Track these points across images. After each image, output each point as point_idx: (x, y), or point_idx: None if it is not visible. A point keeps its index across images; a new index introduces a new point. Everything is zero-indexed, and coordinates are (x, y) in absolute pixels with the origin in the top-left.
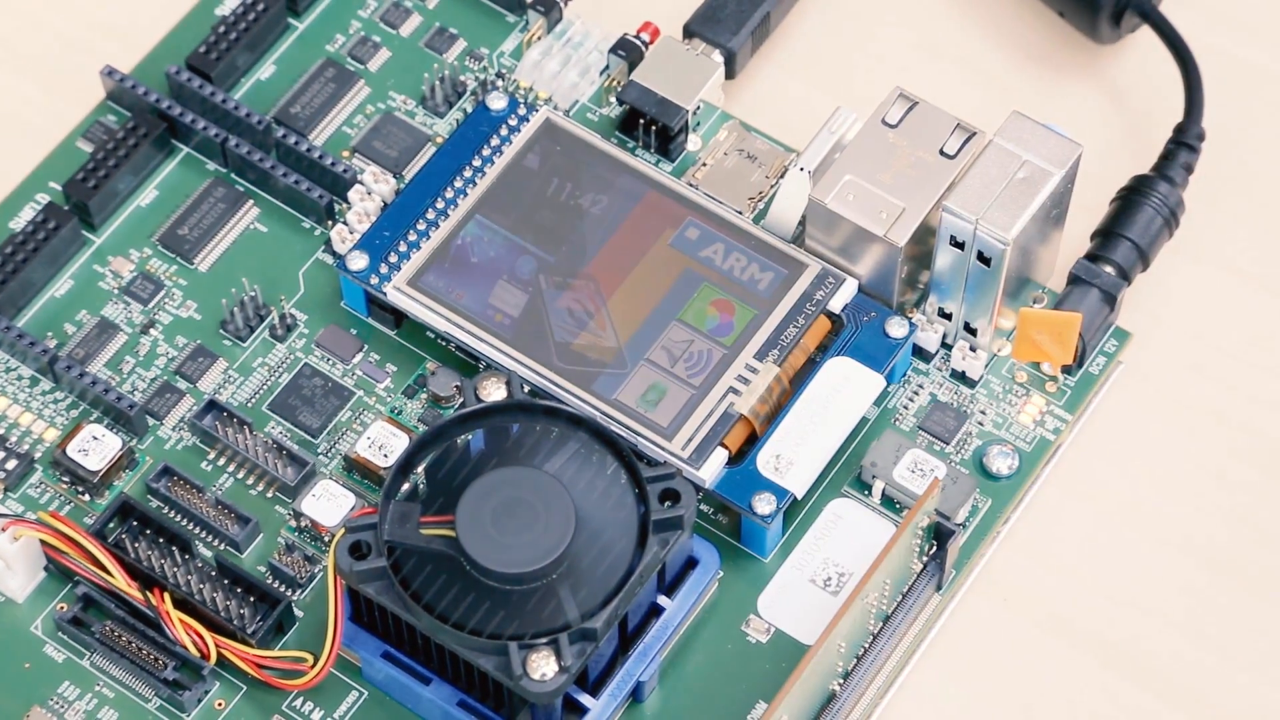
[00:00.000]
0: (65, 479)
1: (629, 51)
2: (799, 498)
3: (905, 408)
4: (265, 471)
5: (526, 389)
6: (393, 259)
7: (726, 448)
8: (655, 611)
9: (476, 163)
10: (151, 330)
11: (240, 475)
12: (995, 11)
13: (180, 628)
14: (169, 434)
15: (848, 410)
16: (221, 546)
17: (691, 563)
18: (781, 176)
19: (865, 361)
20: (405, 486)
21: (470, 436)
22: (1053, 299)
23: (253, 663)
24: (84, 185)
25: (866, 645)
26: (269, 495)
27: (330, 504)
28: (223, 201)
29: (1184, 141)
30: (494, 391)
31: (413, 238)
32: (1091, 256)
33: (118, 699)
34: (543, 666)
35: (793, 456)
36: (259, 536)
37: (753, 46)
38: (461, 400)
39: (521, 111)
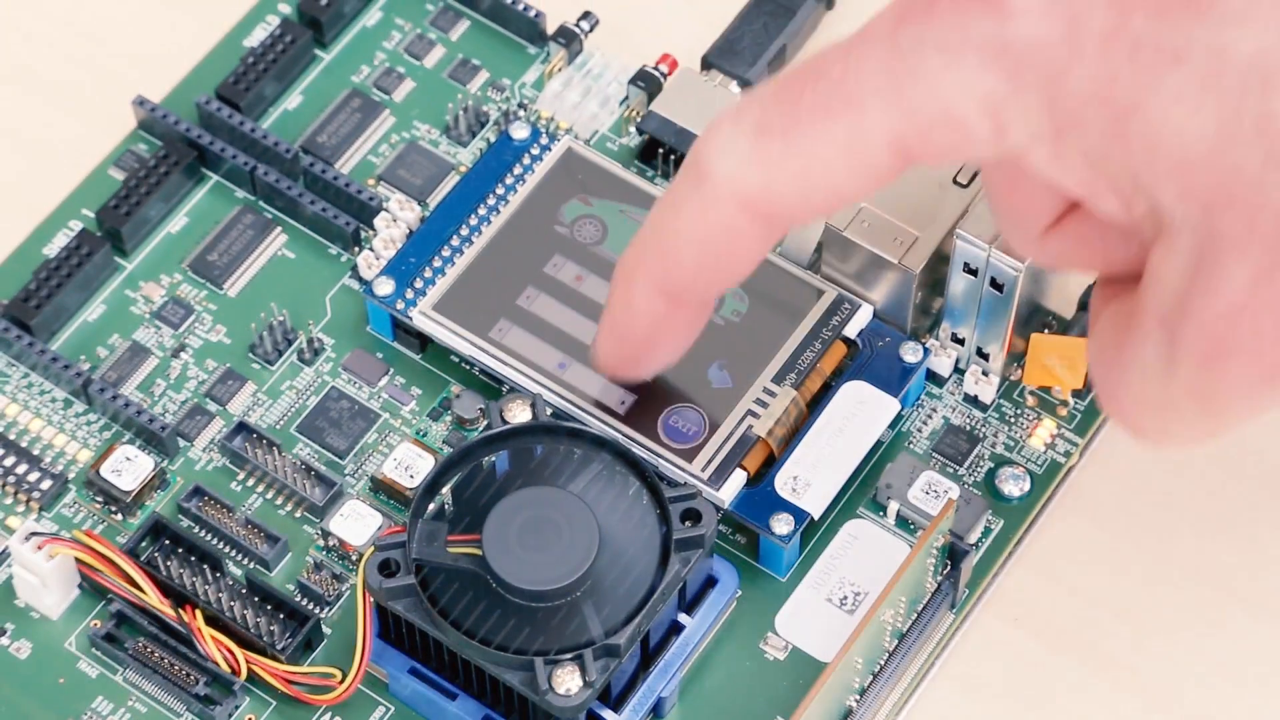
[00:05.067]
0: (99, 499)
1: (648, 82)
2: (816, 518)
3: (919, 431)
4: (294, 492)
5: (550, 411)
6: (418, 284)
7: (745, 469)
8: (676, 629)
9: (500, 191)
10: (182, 354)
11: (269, 495)
12: None
13: (211, 644)
14: (199, 455)
15: (863, 433)
16: (251, 565)
17: (711, 581)
18: None
19: (880, 385)
20: (432, 506)
21: (495, 457)
22: (1063, 324)
23: (282, 678)
24: (116, 212)
25: (882, 662)
26: (297, 515)
27: (357, 523)
28: (251, 228)
29: None
30: (519, 413)
31: (437, 264)
32: None
33: (150, 714)
34: (567, 682)
35: (810, 478)
36: (288, 555)
37: (769, 77)
38: (487, 422)
39: (543, 141)
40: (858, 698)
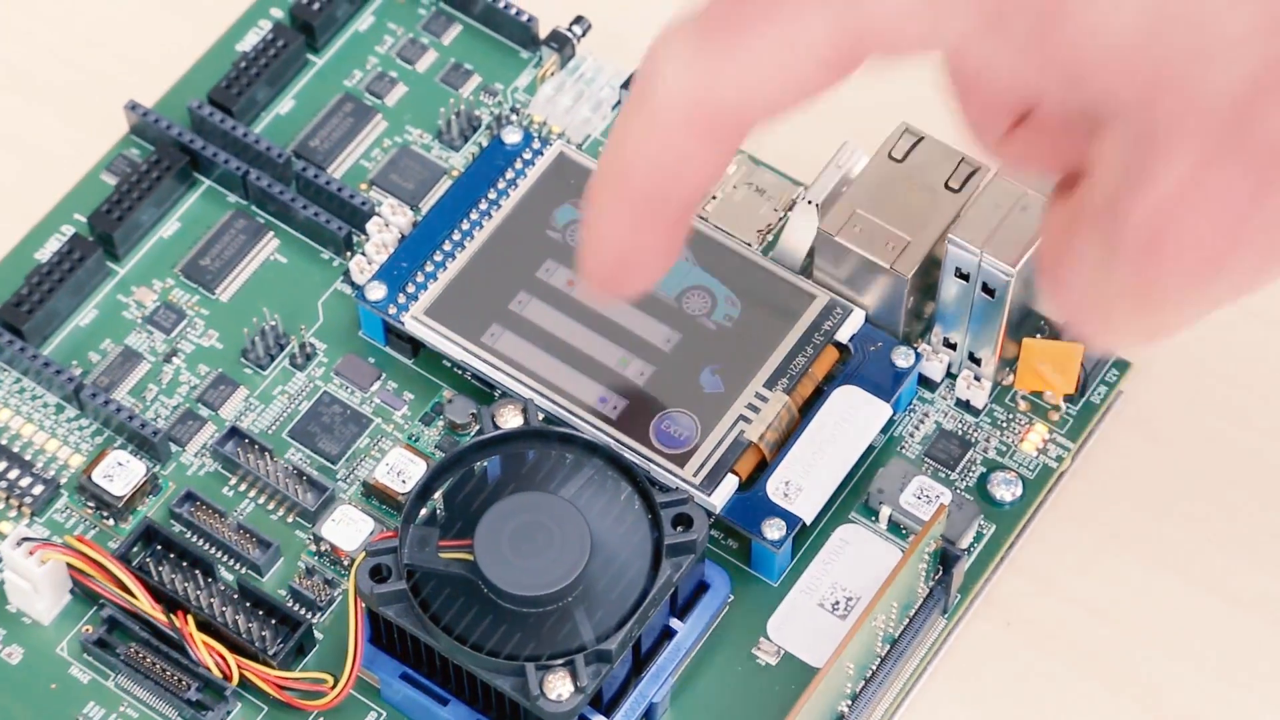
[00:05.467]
0: (90, 504)
1: None
2: (807, 523)
3: (911, 435)
4: (285, 497)
5: (542, 416)
6: (410, 289)
7: (737, 474)
8: (668, 634)
9: (492, 195)
10: (174, 359)
11: (261, 500)
12: None
13: (203, 649)
14: (191, 460)
15: (855, 438)
16: (243, 570)
17: (703, 586)
18: (790, 209)
19: (872, 390)
20: (424, 511)
21: (487, 463)
22: (1055, 329)
23: (274, 684)
24: (108, 217)
25: (874, 667)
26: (289, 520)
27: (349, 529)
28: (243, 233)
29: None
30: (511, 418)
31: (430, 269)
32: None
33: (142, 719)
34: (559, 687)
35: (801, 483)
36: (280, 560)
37: None
38: (479, 427)
39: (535, 145)
40: (849, 703)
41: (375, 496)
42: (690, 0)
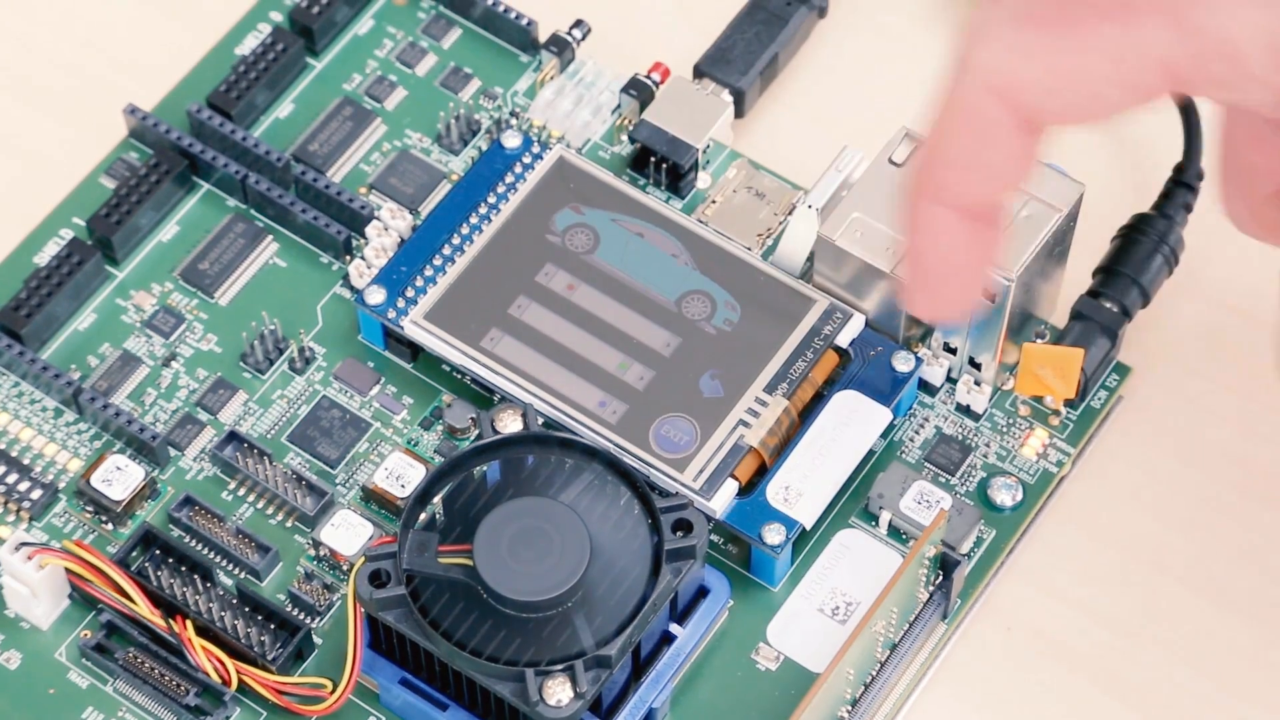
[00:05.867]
0: (89, 508)
1: (640, 91)
2: (807, 528)
3: (911, 440)
4: (284, 501)
5: (541, 421)
6: (409, 293)
7: (737, 479)
8: (667, 639)
9: (491, 199)
10: (173, 363)
11: (260, 505)
12: None
13: (202, 654)
14: (190, 464)
15: (855, 443)
16: (242, 575)
17: (702, 592)
18: (790, 214)
19: (872, 395)
20: (423, 516)
21: (487, 467)
22: (1055, 334)
23: (273, 689)
24: (107, 221)
25: (874, 673)
26: (288, 525)
27: (348, 533)
28: (243, 237)
29: (1183, 181)
30: (510, 423)
31: (429, 273)
32: (1093, 293)
33: None
34: (558, 693)
35: (801, 488)
36: (279, 565)
37: (761, 86)
38: (478, 432)
39: (535, 149)
40: (849, 708)
41: (374, 501)
42: None
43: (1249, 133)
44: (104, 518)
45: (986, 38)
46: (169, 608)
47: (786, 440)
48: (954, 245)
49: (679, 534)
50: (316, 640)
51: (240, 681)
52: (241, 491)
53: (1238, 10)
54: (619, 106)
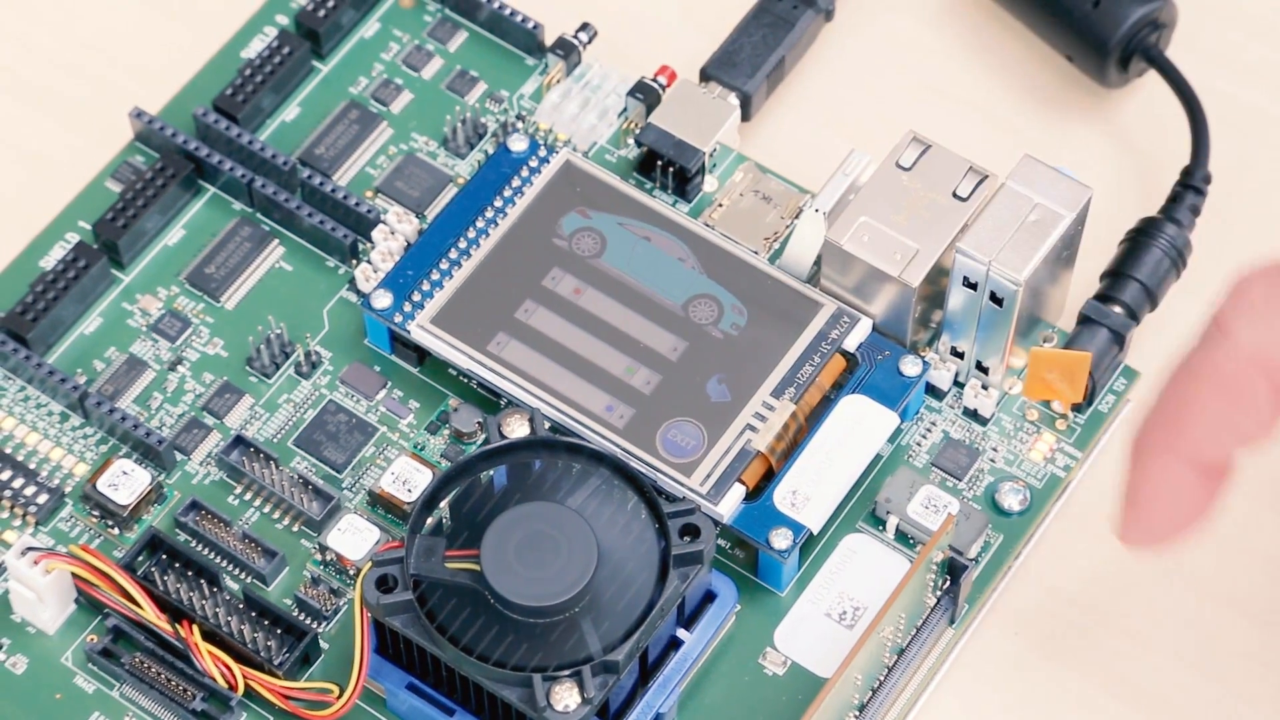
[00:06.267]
0: (95, 513)
1: (646, 94)
2: (815, 533)
3: (919, 445)
4: (291, 506)
5: (548, 425)
6: (416, 297)
7: (744, 484)
8: (674, 644)
9: (498, 203)
10: (179, 367)
11: (266, 510)
12: (1006, 56)
13: (208, 659)
14: (197, 469)
15: (862, 447)
16: (248, 579)
17: (710, 596)
18: (796, 217)
19: (879, 399)
20: (430, 521)
21: (494, 472)
22: (1063, 338)
23: (280, 694)
24: (113, 225)
25: (881, 678)
26: (295, 529)
27: (355, 538)
28: (249, 240)
29: (1191, 184)
30: (517, 428)
31: (435, 277)
32: (1101, 297)
33: None
34: (566, 698)
35: (809, 492)
36: (285, 570)
37: (768, 90)
38: (485, 436)
39: (542, 153)
40: (857, 714)
41: (381, 506)
42: None
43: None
44: (110, 522)
45: (1251, 315)
46: (175, 612)
47: (794, 445)
48: (1185, 493)
49: (686, 539)
50: (323, 645)
51: (247, 686)
52: (248, 496)
53: None
54: (625, 110)
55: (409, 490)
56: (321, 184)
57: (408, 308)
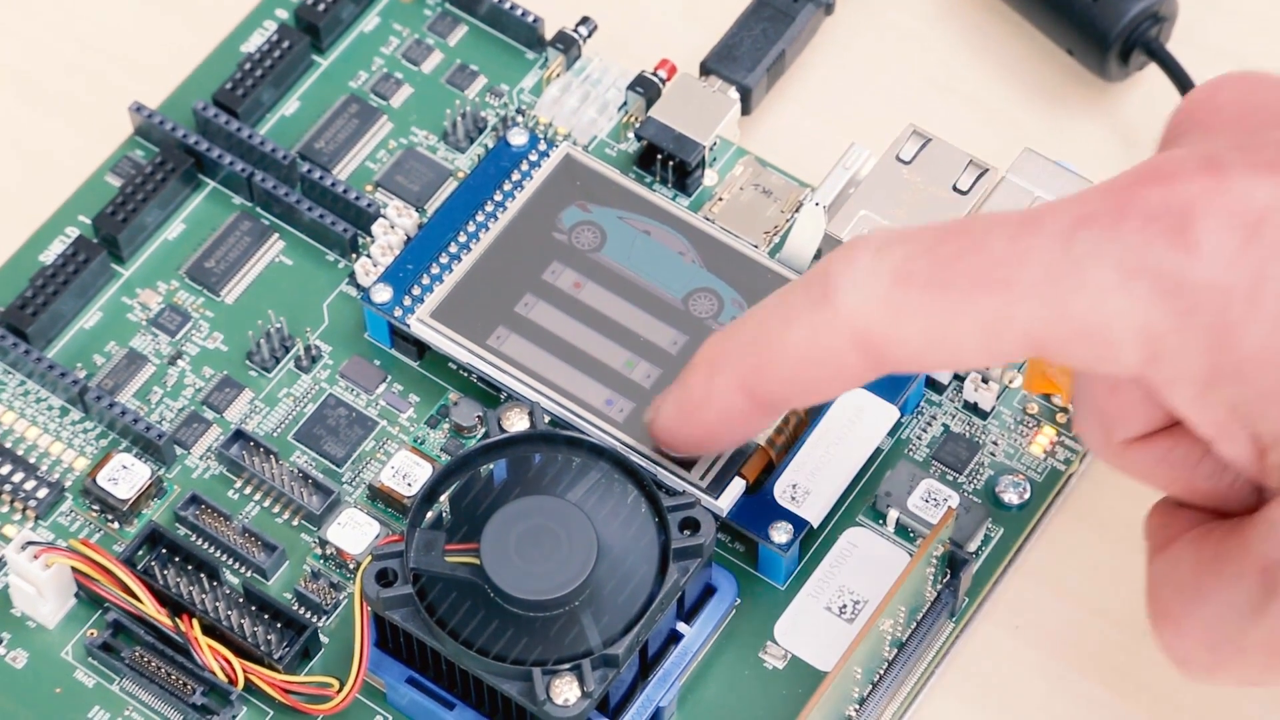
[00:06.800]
0: (95, 507)
1: (647, 88)
2: (815, 526)
3: (919, 438)
4: (291, 500)
5: (548, 419)
6: (416, 292)
7: (744, 477)
8: (674, 638)
9: (498, 197)
10: (179, 361)
11: (266, 504)
12: (1006, 50)
13: (208, 653)
14: (196, 463)
15: (862, 441)
16: (248, 573)
17: (710, 590)
18: (797, 211)
19: (879, 393)
20: (430, 515)
21: (493, 466)
22: None
23: (279, 688)
24: (113, 219)
25: (881, 671)
26: (295, 523)
27: (355, 532)
28: (249, 235)
29: None
30: (517, 422)
31: (435, 271)
32: None
33: None
34: (566, 692)
35: (809, 486)
36: (285, 564)
37: (768, 83)
38: (484, 430)
39: (542, 147)
40: (857, 707)
41: (381, 500)
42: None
43: (1103, 383)
44: (110, 516)
45: (860, 285)
46: (175, 606)
47: (794, 438)
48: (730, 420)
49: (686, 532)
50: (323, 639)
51: (247, 680)
52: (248, 490)
53: (1114, 299)
54: (625, 104)
55: (409, 484)
56: (321, 178)
57: (407, 302)
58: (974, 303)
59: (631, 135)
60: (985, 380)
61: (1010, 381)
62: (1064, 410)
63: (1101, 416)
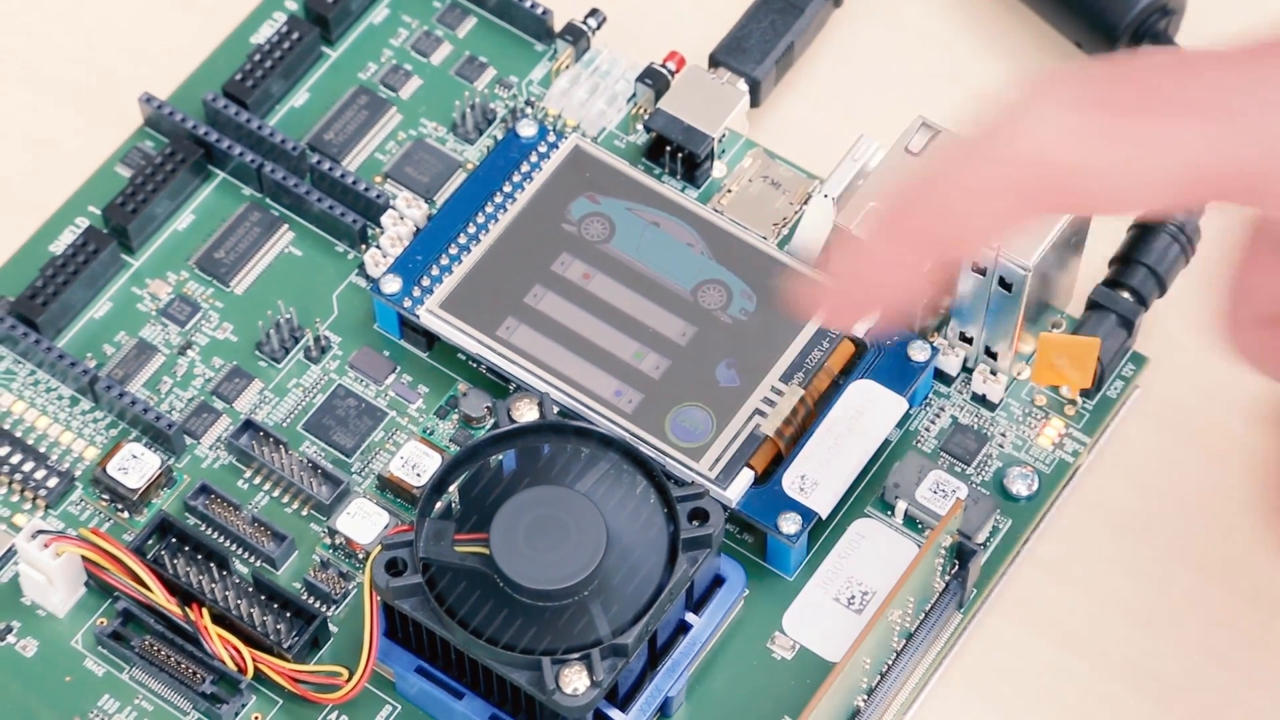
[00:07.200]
0: (105, 496)
1: (655, 80)
2: (823, 517)
3: (927, 430)
4: (300, 490)
5: (557, 410)
6: (425, 282)
7: (753, 468)
8: (683, 628)
9: (507, 188)
10: (189, 351)
11: (276, 494)
12: (1014, 42)
13: (218, 642)
14: (206, 453)
15: (871, 432)
16: (258, 563)
17: (718, 581)
18: (805, 203)
19: (888, 384)
20: (439, 505)
21: (503, 456)
22: (1071, 324)
23: (289, 677)
24: (123, 209)
25: (890, 662)
26: (304, 513)
27: (364, 522)
28: (258, 225)
29: None
30: (526, 412)
31: (445, 262)
32: (1110, 282)
33: (156, 712)
34: (575, 681)
35: (817, 477)
36: (294, 553)
37: (777, 75)
38: (494, 420)
39: (550, 139)
40: (865, 698)
41: (390, 490)
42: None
43: (1263, 252)
44: (120, 506)
45: (1046, 120)
46: (185, 596)
47: (802, 429)
48: (905, 279)
49: (695, 523)
50: (332, 628)
51: (256, 669)
52: (257, 480)
53: None
54: (634, 95)
55: (418, 474)
56: (331, 169)
57: (417, 293)
58: (1149, 127)
59: (640, 127)
60: (993, 372)
61: (1019, 373)
62: (1072, 402)
63: (1243, 289)
